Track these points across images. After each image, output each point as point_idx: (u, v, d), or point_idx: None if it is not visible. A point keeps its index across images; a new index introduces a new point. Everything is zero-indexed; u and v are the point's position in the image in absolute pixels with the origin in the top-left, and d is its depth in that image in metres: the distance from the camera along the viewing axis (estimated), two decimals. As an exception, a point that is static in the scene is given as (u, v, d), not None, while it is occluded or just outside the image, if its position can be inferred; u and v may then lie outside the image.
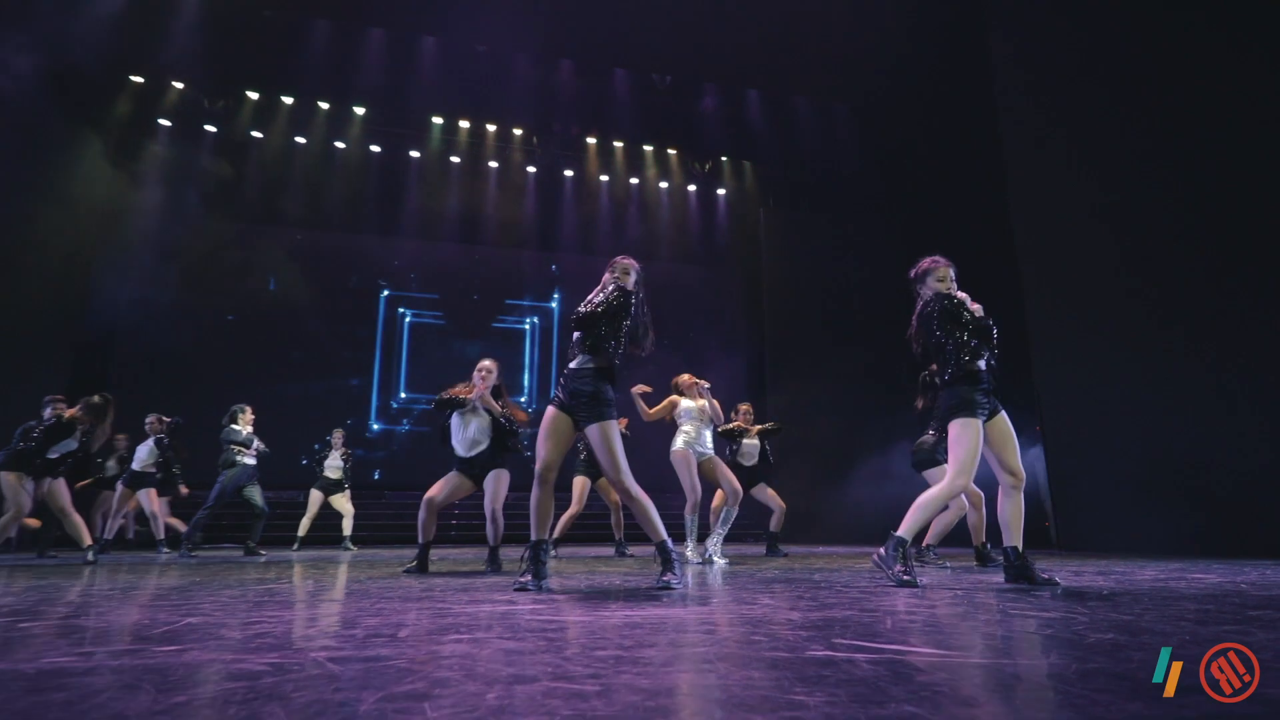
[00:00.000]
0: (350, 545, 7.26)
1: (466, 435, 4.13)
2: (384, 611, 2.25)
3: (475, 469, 4.16)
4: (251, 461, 6.98)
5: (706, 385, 5.01)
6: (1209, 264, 5.79)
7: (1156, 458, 6.02)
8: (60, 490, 5.04)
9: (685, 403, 5.05)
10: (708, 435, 5.00)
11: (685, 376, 5.21)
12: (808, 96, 10.90)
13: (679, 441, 4.91)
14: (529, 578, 2.82)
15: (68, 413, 5.10)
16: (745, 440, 5.84)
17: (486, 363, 4.22)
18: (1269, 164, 5.35)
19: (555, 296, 12.23)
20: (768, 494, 5.86)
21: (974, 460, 2.91)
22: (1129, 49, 6.55)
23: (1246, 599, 2.31)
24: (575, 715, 1.01)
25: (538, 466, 2.91)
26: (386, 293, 11.40)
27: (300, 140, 10.55)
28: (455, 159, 11.47)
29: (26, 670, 1.31)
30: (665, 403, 5.09)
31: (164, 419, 6.85)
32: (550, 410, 2.98)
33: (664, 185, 12.26)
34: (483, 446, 4.13)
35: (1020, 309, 7.07)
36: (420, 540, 4.09)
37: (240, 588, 3.12)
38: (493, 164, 11.63)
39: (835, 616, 2.03)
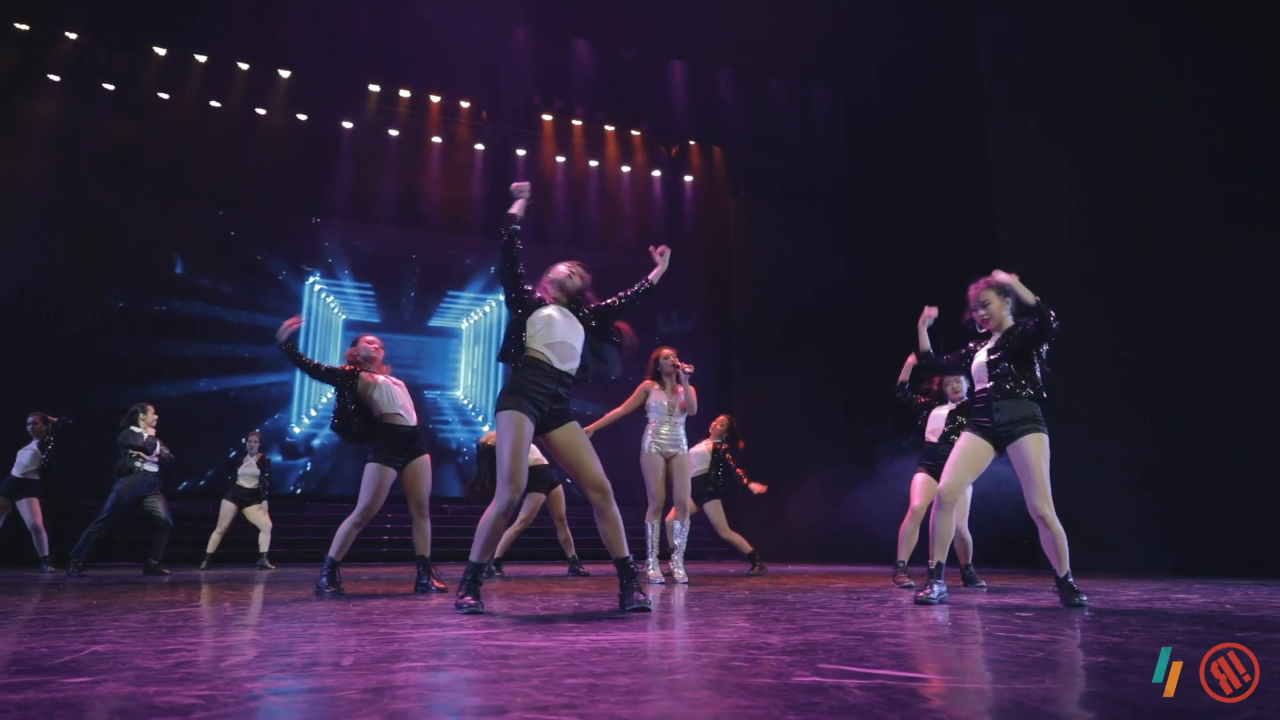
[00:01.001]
0: (268, 563, 7.06)
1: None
2: (319, 638, 2.21)
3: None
4: (153, 469, 6.73)
5: (690, 370, 4.91)
6: (1204, 267, 6.10)
7: (1139, 474, 6.32)
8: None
9: (657, 397, 4.93)
10: (681, 431, 4.95)
11: (668, 354, 5.01)
12: (784, 80, 11.07)
13: (648, 445, 4.88)
14: (470, 599, 2.81)
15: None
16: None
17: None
18: (1266, 155, 5.67)
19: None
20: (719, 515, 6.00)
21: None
22: (1118, 38, 6.87)
23: (1234, 620, 2.46)
24: (555, 748, 1.02)
25: (511, 491, 2.81)
26: (312, 280, 11.13)
27: (215, 104, 10.21)
28: (394, 132, 11.27)
29: (-87, 706, 1.25)
30: (638, 391, 4.97)
31: (49, 418, 6.55)
32: (528, 425, 2.86)
33: (626, 169, 12.29)
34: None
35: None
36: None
37: (146, 611, 3.01)
38: (436, 139, 11.47)
39: (816, 640, 2.08)
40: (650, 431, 4.91)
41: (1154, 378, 6.49)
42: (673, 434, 4.91)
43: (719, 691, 1.37)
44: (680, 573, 4.82)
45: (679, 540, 4.93)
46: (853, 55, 9.75)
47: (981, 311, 3.33)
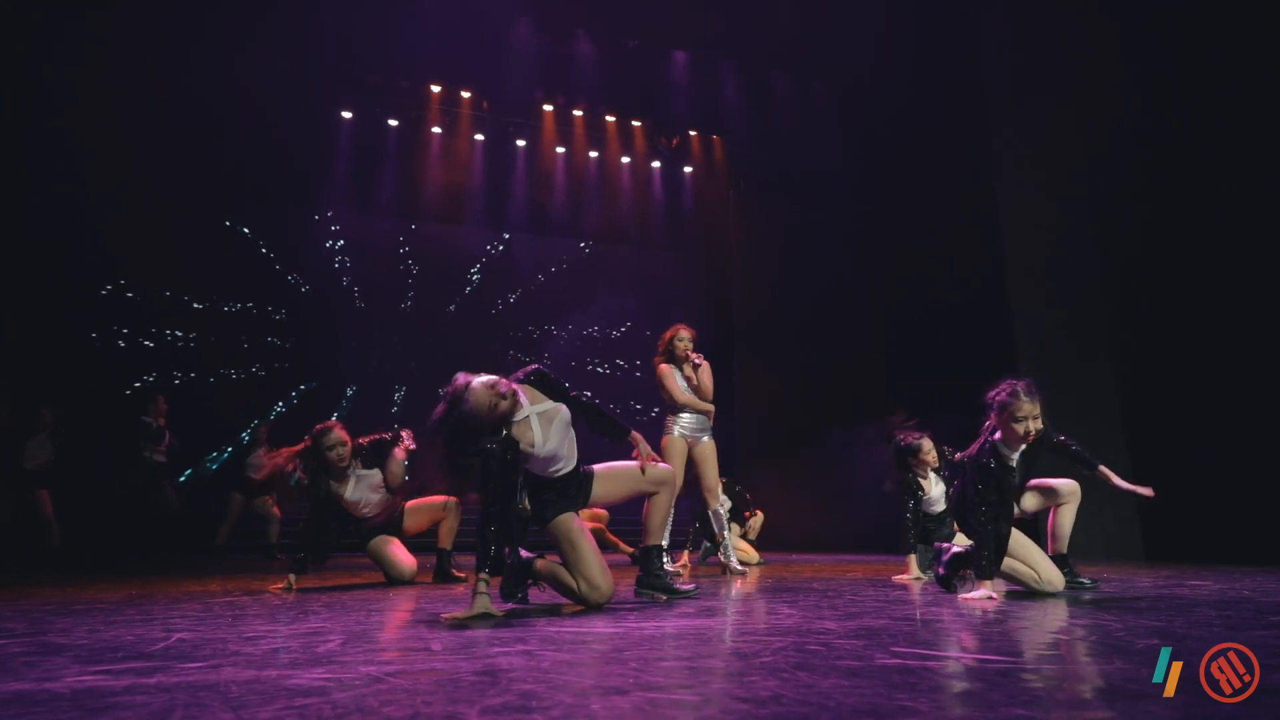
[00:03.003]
0: (277, 554, 7.08)
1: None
2: (387, 625, 2.28)
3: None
4: (161, 459, 6.76)
5: (699, 361, 4.71)
6: (1213, 263, 6.24)
7: (1140, 461, 6.48)
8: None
9: (679, 378, 4.67)
10: (705, 417, 4.70)
11: (686, 335, 4.73)
12: (785, 72, 11.12)
13: (673, 429, 4.65)
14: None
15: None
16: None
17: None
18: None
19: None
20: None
21: None
22: (1122, 30, 6.98)
23: (1261, 606, 2.58)
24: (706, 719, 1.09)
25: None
26: (314, 270, 11.06)
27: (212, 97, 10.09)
28: (393, 122, 11.22)
29: (60, 690, 1.31)
30: (661, 374, 4.69)
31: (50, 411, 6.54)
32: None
33: (626, 160, 12.31)
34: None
35: (1005, 308, 7.45)
36: None
37: (195, 600, 3.06)
38: (436, 129, 11.43)
39: (872, 625, 2.17)
40: (671, 416, 4.71)
41: (1155, 371, 6.66)
42: (698, 417, 4.66)
43: (815, 673, 1.45)
44: (733, 561, 4.70)
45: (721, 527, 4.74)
46: (854, 47, 9.80)
47: (1031, 424, 2.93)
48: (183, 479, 9.20)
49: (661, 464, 3.01)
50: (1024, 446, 3.02)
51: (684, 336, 4.72)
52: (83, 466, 6.75)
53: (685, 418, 4.68)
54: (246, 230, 10.70)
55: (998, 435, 3.04)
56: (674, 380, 4.67)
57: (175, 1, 8.88)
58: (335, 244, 11.28)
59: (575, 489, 2.82)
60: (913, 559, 4.15)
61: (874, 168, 10.26)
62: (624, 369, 12.44)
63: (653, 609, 2.65)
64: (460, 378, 2.56)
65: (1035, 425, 2.92)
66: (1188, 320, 6.38)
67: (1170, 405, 6.51)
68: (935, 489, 4.26)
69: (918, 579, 3.98)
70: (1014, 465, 3.05)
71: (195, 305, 10.09)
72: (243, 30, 9.60)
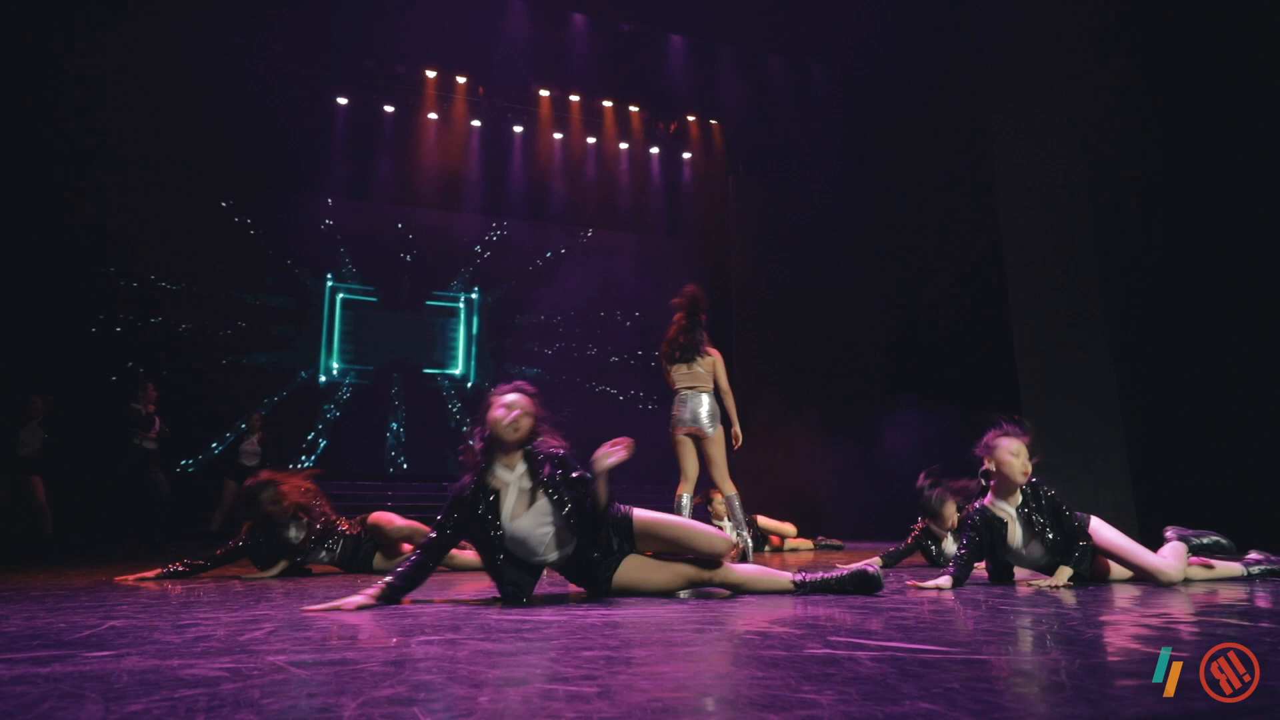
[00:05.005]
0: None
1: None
2: (336, 613, 2.24)
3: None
4: (151, 445, 6.77)
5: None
6: (1214, 248, 6.11)
7: (1138, 447, 6.39)
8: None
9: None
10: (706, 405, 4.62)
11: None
12: (784, 56, 10.96)
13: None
14: None
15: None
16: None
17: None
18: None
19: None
20: None
21: None
22: (1125, 10, 6.82)
23: None
24: (578, 717, 1.04)
25: None
26: (310, 258, 11.03)
27: (207, 81, 10.05)
28: (389, 108, 11.15)
29: (-57, 679, 1.27)
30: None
31: (47, 398, 6.55)
32: None
33: (624, 146, 12.20)
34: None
35: (1003, 292, 7.34)
36: None
37: (158, 587, 3.04)
38: (432, 115, 11.35)
39: (828, 613, 2.11)
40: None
41: (1153, 355, 6.54)
42: (695, 409, 4.61)
43: (735, 663, 1.40)
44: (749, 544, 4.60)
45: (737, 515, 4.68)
46: (853, 32, 9.65)
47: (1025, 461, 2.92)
48: (187, 466, 9.25)
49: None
50: (1021, 496, 2.95)
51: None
52: (75, 454, 6.77)
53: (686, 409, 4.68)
54: (248, 221, 10.66)
55: (993, 485, 3.01)
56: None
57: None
58: (331, 230, 11.24)
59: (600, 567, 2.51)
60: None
61: (873, 151, 10.13)
62: (623, 356, 12.38)
63: (610, 598, 2.59)
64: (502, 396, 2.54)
65: (1028, 465, 2.92)
66: (1188, 305, 6.25)
67: (1169, 391, 6.40)
68: (950, 546, 4.21)
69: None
70: (1007, 517, 2.96)
71: (190, 292, 10.08)
72: (239, 16, 9.56)
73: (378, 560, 3.92)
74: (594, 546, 2.46)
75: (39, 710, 1.08)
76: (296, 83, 10.46)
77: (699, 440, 4.58)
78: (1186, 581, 2.81)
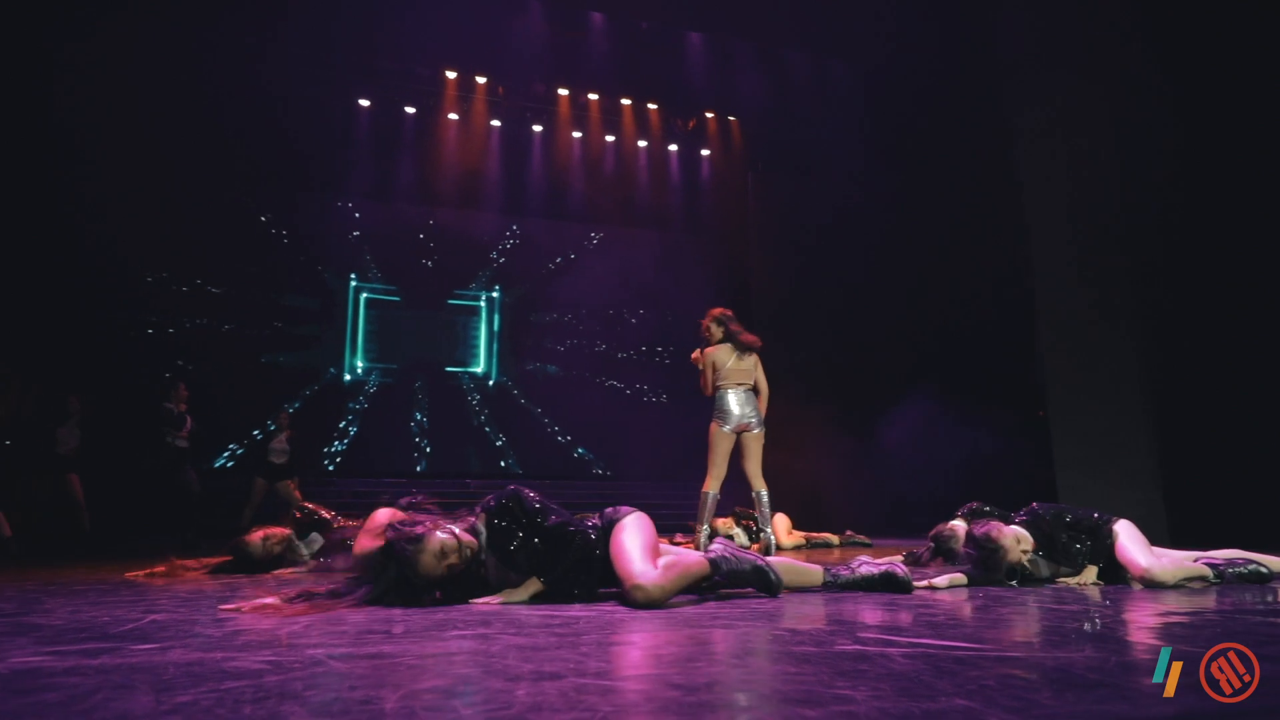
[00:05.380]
0: (298, 537, 7.20)
1: None
2: (364, 609, 2.27)
3: None
4: (184, 444, 6.89)
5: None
6: (1244, 243, 6.00)
7: (1167, 443, 6.29)
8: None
9: (721, 355, 4.58)
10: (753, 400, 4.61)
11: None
12: (803, 53, 10.90)
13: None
14: None
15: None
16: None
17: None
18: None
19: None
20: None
21: None
22: (1155, 4, 6.70)
23: None
24: (615, 711, 1.05)
25: None
26: (336, 259, 11.15)
27: (233, 86, 10.20)
28: (410, 109, 11.23)
29: (1, 671, 1.31)
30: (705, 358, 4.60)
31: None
32: None
33: (643, 144, 12.20)
34: None
35: (1029, 288, 7.24)
36: None
37: (194, 582, 3.10)
38: (452, 116, 11.42)
39: (854, 610, 2.11)
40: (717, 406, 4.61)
41: (1182, 351, 6.42)
42: (749, 406, 4.60)
43: (764, 659, 1.40)
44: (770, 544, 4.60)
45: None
46: (874, 25, 9.56)
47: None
48: (225, 462, 9.41)
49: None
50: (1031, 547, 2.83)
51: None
52: (110, 452, 6.91)
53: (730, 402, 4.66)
54: (272, 222, 10.81)
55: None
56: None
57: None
58: (355, 231, 11.36)
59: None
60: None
61: (895, 145, 10.04)
62: (643, 353, 12.39)
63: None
64: (402, 532, 2.18)
65: (1027, 549, 2.78)
66: (1219, 299, 6.13)
67: (1199, 387, 6.28)
68: None
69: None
70: (1027, 562, 2.83)
71: (215, 293, 10.23)
72: (262, 20, 9.67)
73: None
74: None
75: (93, 700, 1.11)
76: (320, 86, 10.57)
77: (743, 437, 4.55)
78: (1179, 585, 2.64)
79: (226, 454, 9.75)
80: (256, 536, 3.70)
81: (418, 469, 10.98)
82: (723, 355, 4.60)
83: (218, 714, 1.04)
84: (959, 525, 3.82)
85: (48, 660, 1.40)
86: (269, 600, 2.17)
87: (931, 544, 3.97)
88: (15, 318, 7.54)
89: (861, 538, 6.48)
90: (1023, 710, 1.04)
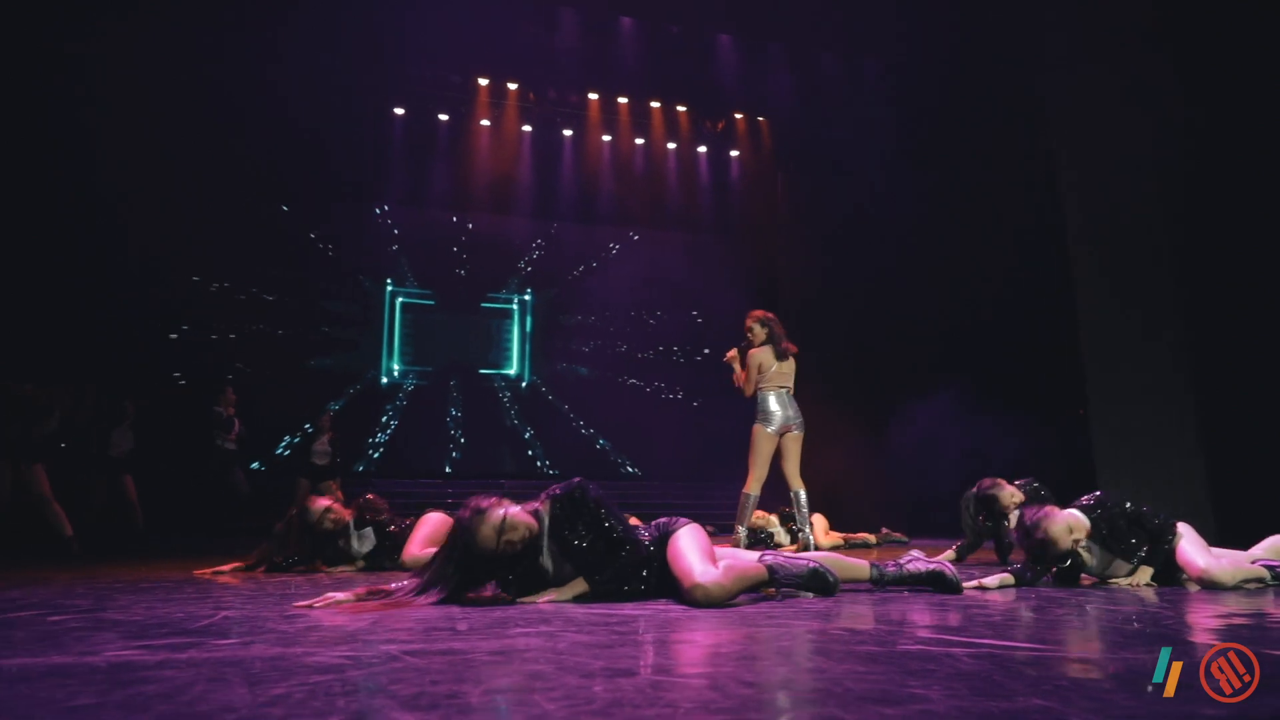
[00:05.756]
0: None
1: None
2: (423, 606, 2.31)
3: None
4: (232, 446, 7.05)
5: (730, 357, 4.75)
6: None
7: (1212, 441, 6.14)
8: (39, 476, 5.09)
9: (765, 357, 4.58)
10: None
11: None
12: (835, 52, 10.82)
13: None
14: None
15: (44, 391, 5.13)
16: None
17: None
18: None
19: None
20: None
21: None
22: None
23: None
24: (696, 708, 1.07)
25: None
26: (373, 268, 11.33)
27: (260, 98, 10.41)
28: (443, 116, 11.38)
29: (98, 664, 1.37)
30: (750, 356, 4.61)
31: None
32: None
33: (672, 146, 12.21)
34: None
35: (1068, 286, 7.12)
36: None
37: (252, 581, 3.18)
38: (485, 122, 11.54)
39: (905, 611, 2.10)
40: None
41: (1227, 346, 6.27)
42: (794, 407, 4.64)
43: (830, 659, 1.41)
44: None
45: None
46: (903, 24, 9.47)
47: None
48: (281, 454, 9.62)
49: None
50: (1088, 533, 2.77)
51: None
52: (161, 454, 7.10)
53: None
54: (314, 228, 11.03)
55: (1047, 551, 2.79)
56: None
57: (238, 10, 9.17)
58: (391, 237, 11.53)
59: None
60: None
61: (925, 143, 9.92)
62: (672, 354, 12.40)
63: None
64: (469, 505, 2.27)
65: (1080, 536, 2.72)
66: (1264, 291, 5.98)
67: (1245, 383, 6.12)
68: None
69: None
70: (1081, 551, 2.77)
71: (262, 299, 10.46)
72: (299, 32, 9.87)
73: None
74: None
75: (192, 693, 1.15)
76: (356, 96, 10.75)
77: (784, 438, 4.56)
78: (1238, 586, 2.58)
79: (259, 462, 9.95)
80: (320, 504, 3.75)
81: (446, 470, 11.10)
82: (767, 357, 4.60)
83: (313, 706, 1.07)
84: (1007, 486, 3.83)
85: (139, 654, 1.46)
86: (339, 595, 2.23)
87: (971, 502, 3.95)
88: (72, 325, 7.80)
89: (899, 535, 6.42)
90: (1101, 710, 1.04)
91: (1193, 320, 6.65)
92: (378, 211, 11.47)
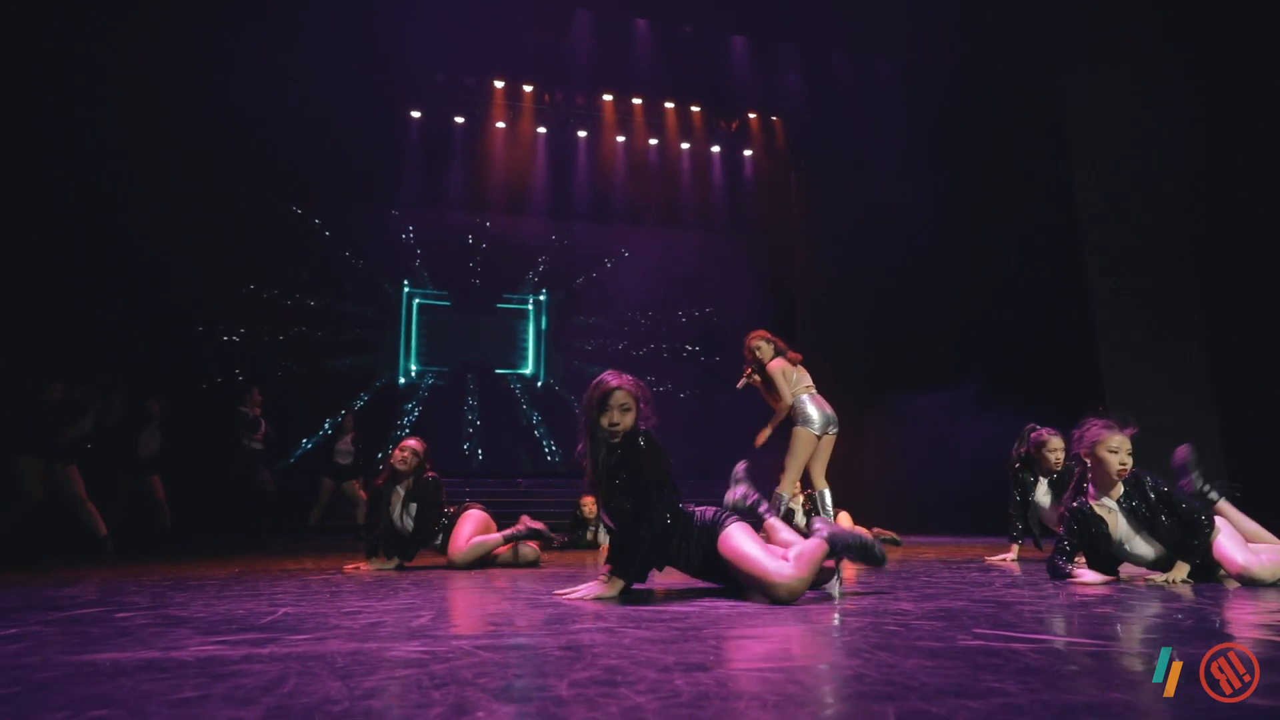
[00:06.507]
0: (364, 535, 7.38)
1: None
2: (470, 603, 2.35)
3: None
4: (258, 446, 7.12)
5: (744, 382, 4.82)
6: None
7: (1237, 447, 6.12)
8: (74, 476, 5.16)
9: (786, 368, 4.59)
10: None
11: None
12: (847, 53, 10.81)
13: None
14: None
15: (77, 392, 5.21)
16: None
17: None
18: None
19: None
20: None
21: None
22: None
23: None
24: (783, 699, 1.09)
25: None
26: (389, 269, 11.39)
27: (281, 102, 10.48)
28: (459, 119, 11.43)
29: (185, 659, 1.40)
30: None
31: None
32: None
33: (686, 146, 12.23)
34: None
35: (1083, 282, 7.11)
36: None
37: (293, 578, 3.23)
38: (500, 124, 11.59)
39: (950, 607, 2.12)
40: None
41: (1246, 343, 6.25)
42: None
43: (895, 653, 1.43)
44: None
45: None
46: (916, 24, 9.46)
47: (1124, 457, 2.90)
48: (288, 463, 9.69)
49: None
50: (1123, 488, 2.87)
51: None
52: (190, 454, 7.18)
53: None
54: (332, 231, 11.09)
55: (1089, 482, 2.96)
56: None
57: (256, 12, 9.23)
58: (408, 238, 11.59)
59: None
60: (1015, 547, 4.23)
61: (940, 143, 9.91)
62: (689, 353, 12.42)
63: (708, 588, 2.64)
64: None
65: (1127, 459, 2.85)
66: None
67: (1265, 378, 6.10)
68: (1043, 494, 4.22)
69: (1015, 560, 4.08)
70: (1105, 511, 2.88)
71: (280, 302, 10.53)
72: (317, 36, 9.93)
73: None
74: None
75: (288, 686, 1.18)
76: (373, 99, 10.80)
77: (822, 439, 4.57)
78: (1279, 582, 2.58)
79: (287, 461, 10.03)
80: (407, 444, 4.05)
81: (470, 467, 11.16)
82: (786, 366, 4.62)
83: (411, 699, 1.10)
84: (1058, 440, 4.09)
85: (221, 650, 1.49)
86: (582, 590, 2.41)
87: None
88: (102, 326, 7.88)
89: (890, 534, 6.32)
90: (1185, 703, 1.06)
91: (1209, 315, 6.64)
92: (394, 214, 11.53)
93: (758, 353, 4.71)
